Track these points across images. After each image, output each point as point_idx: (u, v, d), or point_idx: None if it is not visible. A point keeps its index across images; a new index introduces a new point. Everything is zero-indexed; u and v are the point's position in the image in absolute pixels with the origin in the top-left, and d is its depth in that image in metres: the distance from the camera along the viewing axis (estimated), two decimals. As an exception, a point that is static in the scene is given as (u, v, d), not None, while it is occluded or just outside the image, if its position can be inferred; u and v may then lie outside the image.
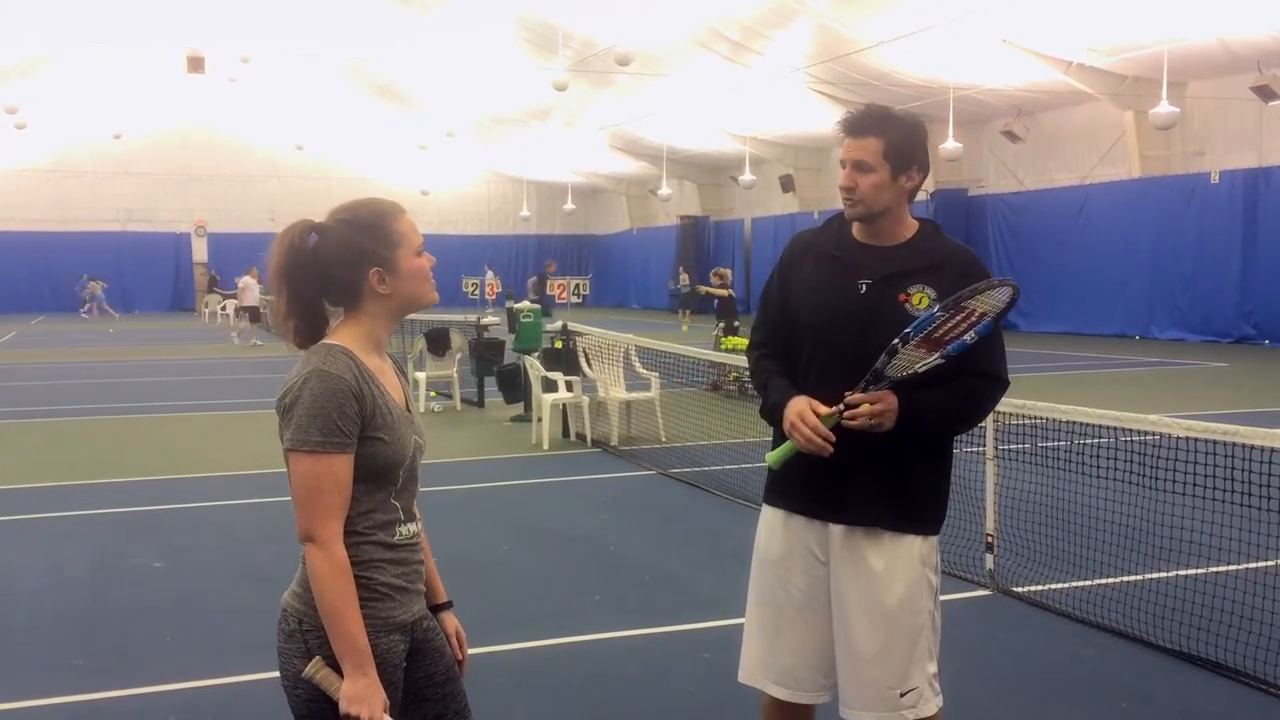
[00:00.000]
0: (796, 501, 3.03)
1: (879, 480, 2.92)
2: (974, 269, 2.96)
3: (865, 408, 2.81)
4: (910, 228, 3.01)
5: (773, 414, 3.00)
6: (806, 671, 3.05)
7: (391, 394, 2.37)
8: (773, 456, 2.96)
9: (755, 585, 3.15)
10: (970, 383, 2.94)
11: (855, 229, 3.03)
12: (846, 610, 2.97)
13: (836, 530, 2.98)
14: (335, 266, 2.34)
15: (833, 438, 2.83)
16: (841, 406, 2.83)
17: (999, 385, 3.00)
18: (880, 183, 2.89)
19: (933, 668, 3.01)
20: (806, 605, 3.03)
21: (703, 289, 21.31)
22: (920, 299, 2.84)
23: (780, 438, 2.97)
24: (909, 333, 2.77)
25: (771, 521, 3.11)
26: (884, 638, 2.93)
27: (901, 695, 2.94)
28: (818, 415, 2.84)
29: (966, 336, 2.81)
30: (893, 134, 2.90)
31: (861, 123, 2.92)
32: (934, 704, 2.99)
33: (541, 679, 4.84)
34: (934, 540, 3.04)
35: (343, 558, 2.24)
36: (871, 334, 2.87)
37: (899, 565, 2.95)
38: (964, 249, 3.05)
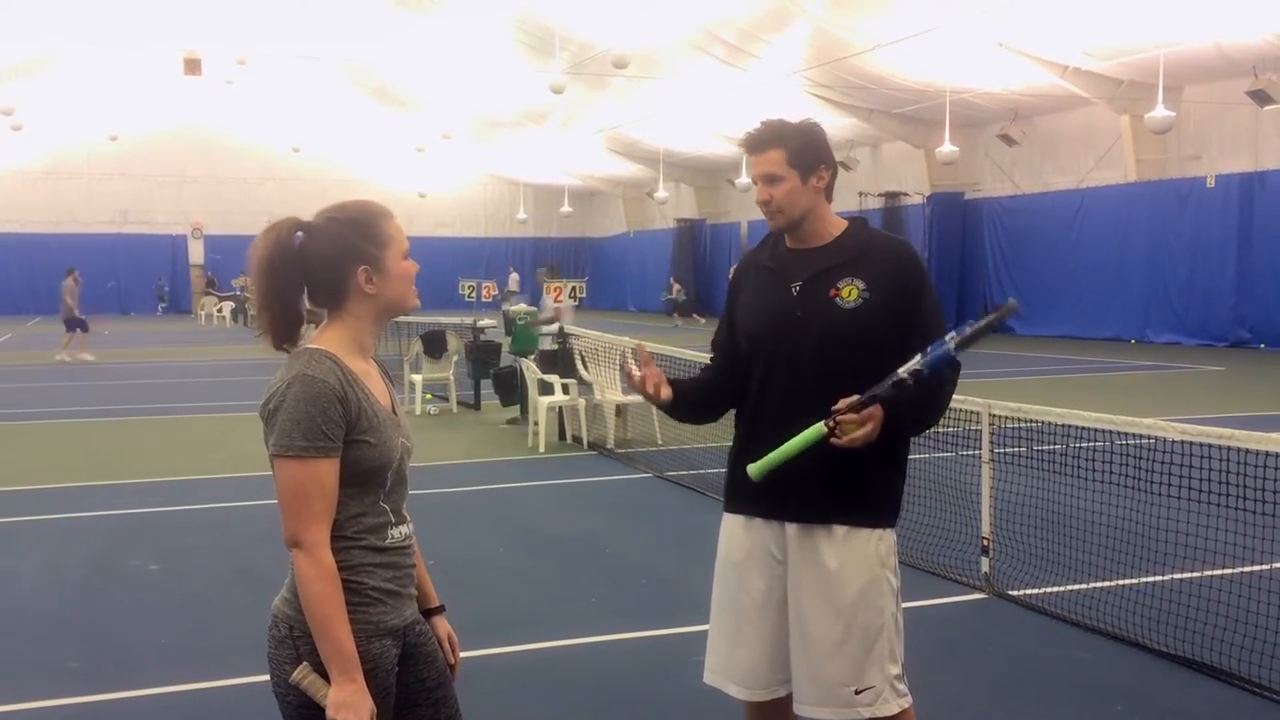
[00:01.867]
0: (752, 505, 3.08)
1: (828, 475, 2.95)
2: (904, 259, 3.03)
3: (858, 431, 2.81)
4: (837, 226, 3.10)
5: (673, 410, 3.19)
6: (765, 670, 3.08)
7: (377, 397, 2.36)
8: (755, 468, 2.95)
9: (717, 588, 3.20)
10: (937, 375, 2.94)
11: (786, 238, 3.12)
12: (802, 607, 3.00)
13: (792, 529, 3.02)
14: (322, 264, 2.33)
15: (640, 377, 3.04)
16: (831, 423, 2.82)
17: (954, 369, 3.03)
18: (792, 189, 3.00)
19: (895, 669, 3.01)
20: (765, 604, 3.06)
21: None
22: (849, 291, 2.94)
23: (767, 449, 2.92)
24: (922, 370, 2.80)
25: (732, 526, 3.16)
26: (839, 634, 2.95)
27: (857, 693, 2.96)
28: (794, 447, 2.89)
29: (948, 339, 2.86)
30: (791, 142, 3.01)
31: (760, 139, 3.03)
32: (895, 705, 3.00)
33: (536, 682, 4.83)
34: (891, 539, 3.06)
35: (329, 563, 2.23)
36: (807, 333, 2.97)
37: (854, 563, 2.97)
38: (890, 238, 3.13)
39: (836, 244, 3.05)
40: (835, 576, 2.96)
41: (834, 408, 2.83)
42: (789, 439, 2.87)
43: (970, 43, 21.70)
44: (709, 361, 3.33)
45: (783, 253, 3.12)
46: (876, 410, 2.83)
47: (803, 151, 3.01)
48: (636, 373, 3.07)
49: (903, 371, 2.81)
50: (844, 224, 3.11)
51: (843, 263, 3.00)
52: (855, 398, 2.82)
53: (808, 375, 2.96)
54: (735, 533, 3.14)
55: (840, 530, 2.98)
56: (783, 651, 3.05)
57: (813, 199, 3.03)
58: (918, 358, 2.81)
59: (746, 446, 3.06)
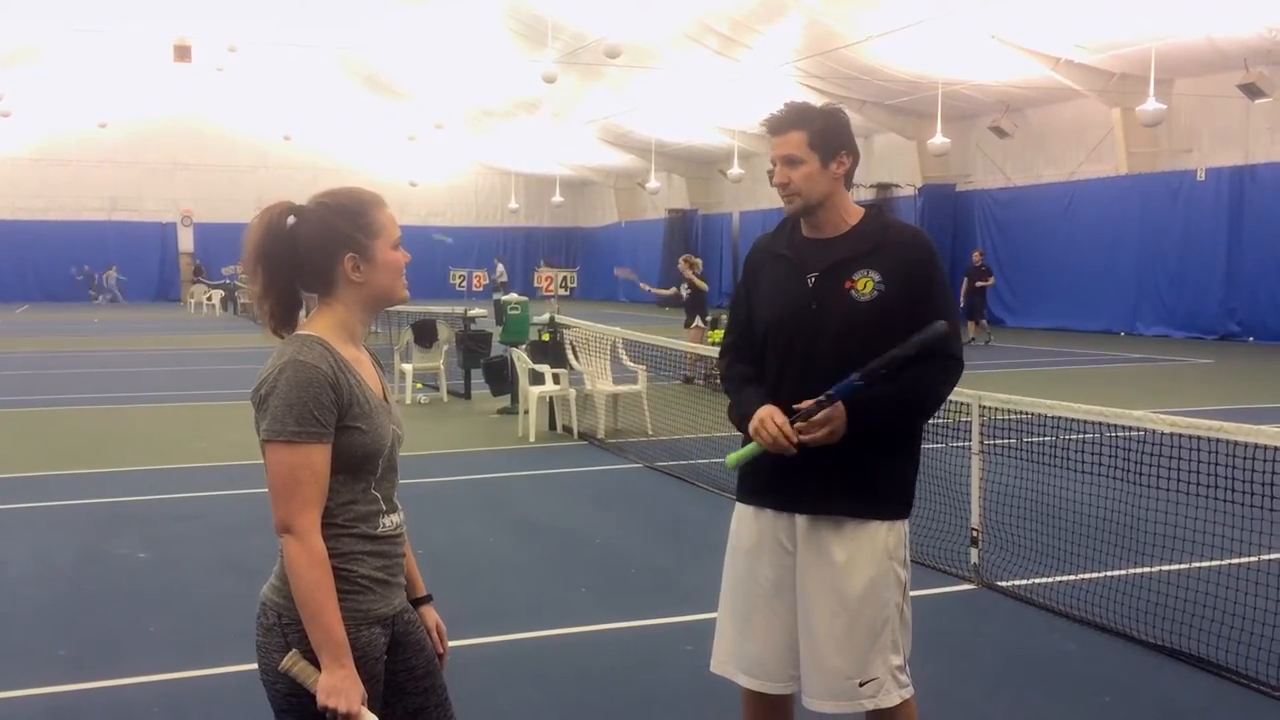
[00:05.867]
0: (764, 496, 3.08)
1: (839, 469, 2.95)
2: (914, 249, 3.00)
3: (817, 434, 2.87)
4: (854, 216, 3.07)
5: (743, 424, 3.05)
6: (774, 662, 3.07)
7: (369, 384, 2.35)
8: (733, 457, 3.01)
9: (727, 575, 3.19)
10: (919, 370, 2.93)
11: (803, 226, 3.09)
12: (809, 600, 3.00)
13: (802, 521, 3.01)
14: (311, 249, 2.32)
15: (795, 438, 2.89)
16: (793, 426, 2.90)
17: (952, 365, 3.01)
18: (811, 173, 2.98)
19: (897, 659, 3.02)
20: (774, 595, 3.06)
21: (645, 286, 19.93)
22: (865, 283, 2.92)
23: (746, 439, 3.01)
24: (832, 394, 2.85)
25: (743, 514, 3.16)
26: (844, 628, 2.96)
27: (861, 685, 2.97)
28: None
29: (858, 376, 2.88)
30: (814, 125, 2.99)
31: (783, 120, 3.01)
32: (897, 695, 3.01)
33: (525, 671, 4.83)
34: (900, 531, 3.06)
35: (320, 549, 2.23)
36: (823, 325, 2.95)
37: (862, 556, 2.97)
38: (906, 228, 3.10)
39: (853, 233, 3.02)
40: (842, 569, 2.96)
41: (794, 416, 2.88)
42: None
43: (962, 35, 21.70)
44: (734, 353, 3.22)
45: (799, 241, 3.08)
46: (834, 410, 2.86)
47: (825, 135, 2.98)
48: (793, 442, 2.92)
49: (855, 377, 2.84)
50: (861, 212, 3.08)
51: (859, 254, 2.97)
52: (811, 403, 2.87)
53: (823, 367, 2.93)
54: (745, 521, 3.14)
55: (849, 523, 2.98)
56: (793, 644, 3.04)
57: (832, 185, 3.00)
58: (855, 375, 2.84)
59: None
